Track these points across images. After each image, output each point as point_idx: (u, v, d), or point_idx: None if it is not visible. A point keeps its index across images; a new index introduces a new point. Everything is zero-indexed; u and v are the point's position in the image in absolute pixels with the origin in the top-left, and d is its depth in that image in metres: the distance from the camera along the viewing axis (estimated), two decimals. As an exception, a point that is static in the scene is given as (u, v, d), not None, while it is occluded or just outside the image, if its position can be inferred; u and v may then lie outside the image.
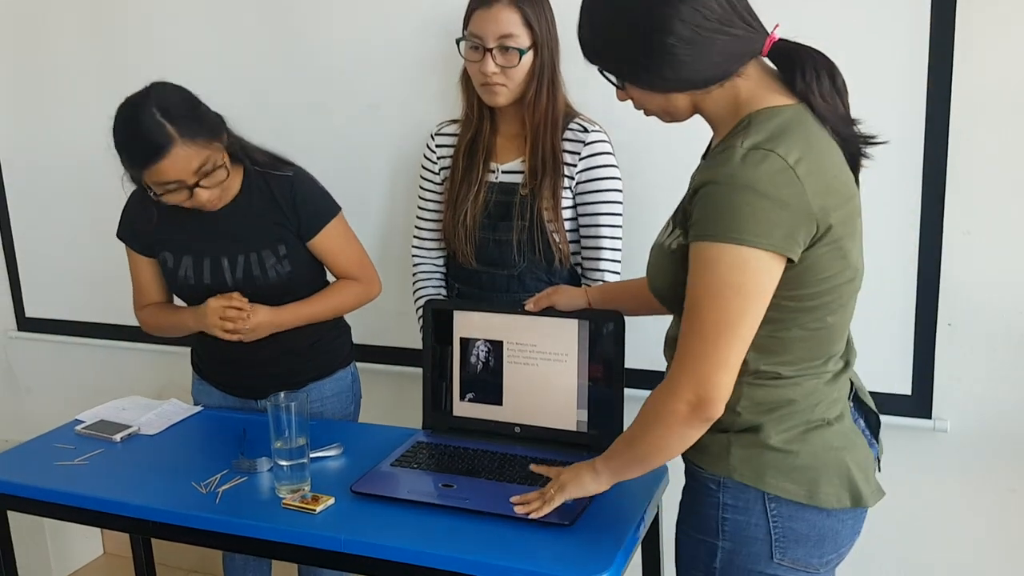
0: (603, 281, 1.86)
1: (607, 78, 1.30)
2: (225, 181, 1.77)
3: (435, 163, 1.99)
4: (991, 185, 1.84)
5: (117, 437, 1.84)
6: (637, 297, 1.61)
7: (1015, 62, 1.78)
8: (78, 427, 1.91)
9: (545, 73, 1.82)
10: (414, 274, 2.06)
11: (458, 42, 1.84)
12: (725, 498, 1.29)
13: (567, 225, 1.87)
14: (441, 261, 2.04)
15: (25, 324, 2.96)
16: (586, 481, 1.39)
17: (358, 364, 2.11)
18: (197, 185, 1.72)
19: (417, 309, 2.03)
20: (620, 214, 1.87)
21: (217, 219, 1.84)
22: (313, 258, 1.91)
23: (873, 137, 1.29)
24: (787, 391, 1.28)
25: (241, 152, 1.83)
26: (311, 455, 1.61)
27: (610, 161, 1.86)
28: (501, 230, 1.88)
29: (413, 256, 2.06)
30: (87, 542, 3.00)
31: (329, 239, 1.89)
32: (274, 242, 1.85)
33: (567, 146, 1.85)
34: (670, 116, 1.31)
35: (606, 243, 1.86)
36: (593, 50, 1.28)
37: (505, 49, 1.78)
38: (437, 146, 1.99)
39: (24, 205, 2.84)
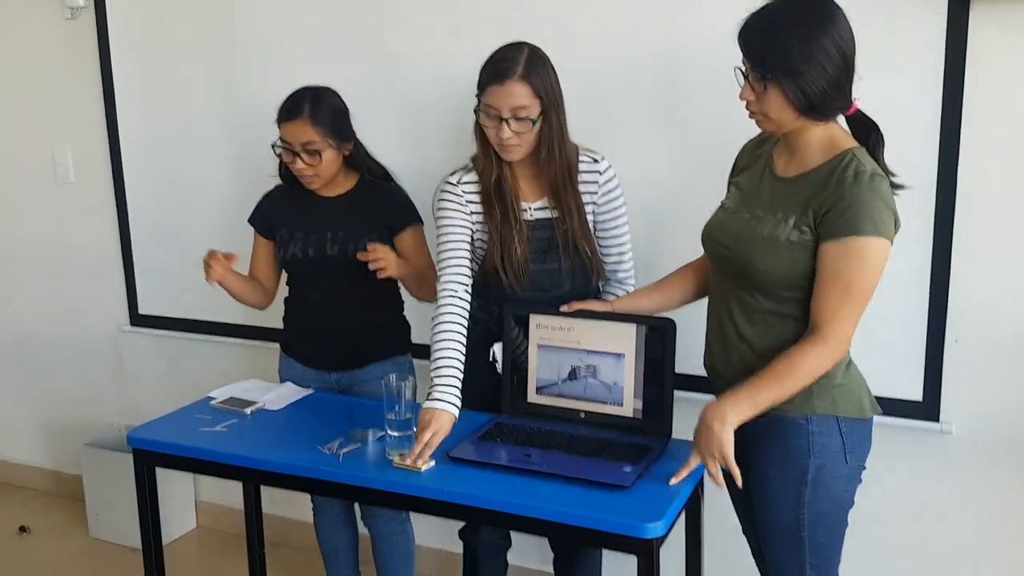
0: (631, 283, 2.19)
1: (745, 76, 1.67)
2: (322, 168, 2.26)
3: (464, 206, 2.10)
4: (993, 215, 2.13)
5: (248, 411, 2.20)
6: (650, 301, 2.04)
7: (1016, 109, 2.08)
8: (212, 402, 2.27)
9: (554, 132, 2.00)
10: (438, 308, 2.06)
11: (476, 110, 2.02)
12: (812, 427, 1.75)
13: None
14: (465, 295, 2.07)
15: (137, 320, 3.35)
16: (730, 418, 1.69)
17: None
18: (298, 155, 2.24)
19: (433, 344, 2.04)
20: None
21: (330, 208, 2.34)
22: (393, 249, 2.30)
23: (894, 176, 1.73)
24: None
25: (362, 163, 2.37)
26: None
27: (617, 183, 2.13)
28: (548, 260, 2.12)
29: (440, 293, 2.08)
30: (181, 516, 3.36)
31: (409, 236, 2.36)
32: (368, 230, 2.30)
33: (583, 177, 2.09)
34: (776, 126, 1.70)
35: (627, 256, 2.19)
36: (763, 58, 1.63)
37: (519, 118, 1.98)
38: (465, 192, 2.11)
39: (143, 215, 3.21)
